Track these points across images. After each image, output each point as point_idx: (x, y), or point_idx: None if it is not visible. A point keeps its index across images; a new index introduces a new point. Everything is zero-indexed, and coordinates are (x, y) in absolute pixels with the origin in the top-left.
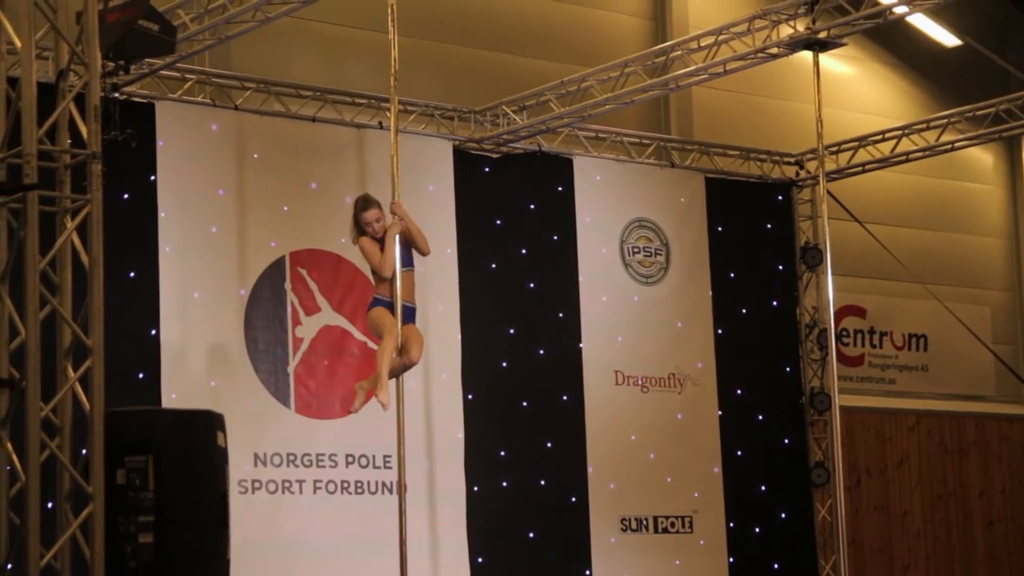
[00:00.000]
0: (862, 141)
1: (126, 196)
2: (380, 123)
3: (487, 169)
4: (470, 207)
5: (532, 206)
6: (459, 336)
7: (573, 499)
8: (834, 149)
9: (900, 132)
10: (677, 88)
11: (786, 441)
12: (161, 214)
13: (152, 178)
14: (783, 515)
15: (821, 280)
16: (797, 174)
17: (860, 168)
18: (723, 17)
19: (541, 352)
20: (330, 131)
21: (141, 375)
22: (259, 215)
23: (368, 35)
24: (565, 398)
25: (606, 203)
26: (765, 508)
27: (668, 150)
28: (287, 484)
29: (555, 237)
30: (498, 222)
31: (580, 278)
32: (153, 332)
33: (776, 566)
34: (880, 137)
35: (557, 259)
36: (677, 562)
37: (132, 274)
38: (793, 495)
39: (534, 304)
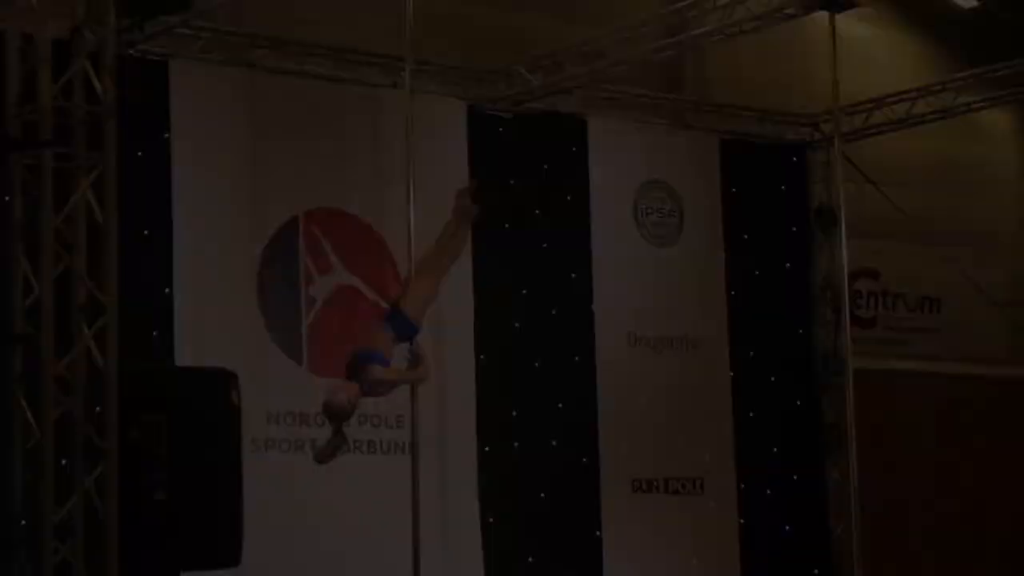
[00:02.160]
0: (877, 103)
1: (140, 154)
2: (395, 83)
3: (500, 129)
4: (484, 167)
5: (545, 166)
6: (472, 296)
7: (584, 460)
8: (849, 111)
9: (916, 94)
10: (692, 48)
11: (798, 403)
12: (175, 172)
13: (166, 136)
14: (795, 477)
15: (835, 242)
16: (812, 136)
17: (875, 130)
18: None
19: (553, 313)
20: (345, 91)
21: (155, 332)
22: (273, 175)
23: None
24: (577, 359)
25: (620, 164)
26: (777, 470)
27: (682, 112)
28: (299, 443)
29: (568, 198)
30: (512, 182)
31: (593, 239)
32: (167, 290)
33: (787, 528)
34: (896, 99)
35: (570, 220)
36: (689, 524)
37: (146, 232)
38: (805, 457)
39: (547, 265)
